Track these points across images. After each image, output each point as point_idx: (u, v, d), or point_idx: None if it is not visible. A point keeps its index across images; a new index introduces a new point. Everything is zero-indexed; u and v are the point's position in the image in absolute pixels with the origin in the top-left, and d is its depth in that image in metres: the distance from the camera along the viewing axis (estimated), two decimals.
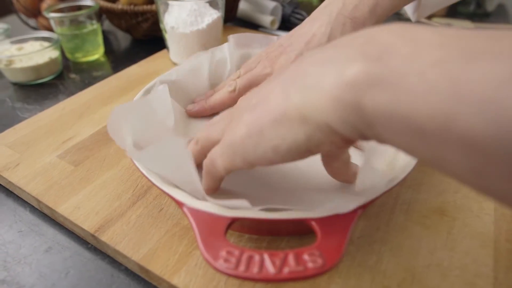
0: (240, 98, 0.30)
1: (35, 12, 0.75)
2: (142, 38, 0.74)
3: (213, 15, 0.57)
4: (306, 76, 0.22)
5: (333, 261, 0.23)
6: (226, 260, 0.23)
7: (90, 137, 0.44)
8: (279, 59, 0.41)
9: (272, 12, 0.80)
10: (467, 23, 0.85)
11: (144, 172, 0.30)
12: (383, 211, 0.35)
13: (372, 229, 0.33)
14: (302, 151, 0.22)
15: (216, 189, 0.30)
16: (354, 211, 0.26)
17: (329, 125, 0.20)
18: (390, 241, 0.32)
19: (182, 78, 0.43)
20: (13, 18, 0.86)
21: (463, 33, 0.17)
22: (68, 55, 0.68)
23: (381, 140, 0.20)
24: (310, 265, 0.23)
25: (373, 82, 0.18)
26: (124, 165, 0.40)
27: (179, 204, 0.27)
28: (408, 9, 0.50)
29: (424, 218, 0.34)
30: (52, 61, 0.62)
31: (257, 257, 0.23)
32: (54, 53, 0.62)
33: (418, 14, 0.48)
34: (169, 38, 0.58)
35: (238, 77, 0.43)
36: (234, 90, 0.42)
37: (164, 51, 0.65)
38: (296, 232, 0.32)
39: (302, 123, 0.21)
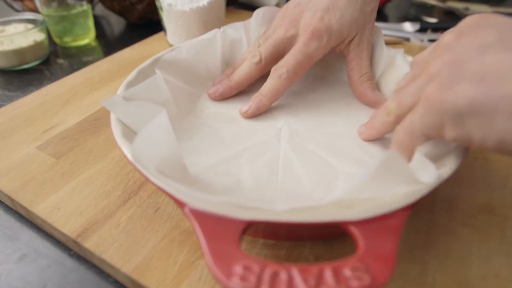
0: (447, 43, 0.24)
1: None
2: (137, 21, 0.68)
3: None
4: None
5: (384, 278, 0.17)
6: (242, 278, 0.17)
7: (75, 125, 0.38)
8: (302, 18, 0.36)
9: None
10: (485, 8, 0.79)
11: (133, 162, 0.24)
12: (421, 210, 0.29)
13: (411, 231, 0.27)
14: None
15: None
16: (404, 210, 0.21)
17: None
18: (435, 246, 0.27)
19: (191, 57, 0.37)
20: None
21: None
22: (56, 39, 0.62)
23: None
24: (354, 283, 0.17)
25: None
26: (114, 157, 0.34)
27: (180, 204, 0.21)
28: None
29: (471, 218, 0.29)
30: (37, 45, 0.56)
31: (284, 275, 0.17)
32: (39, 36, 0.56)
33: None
34: (166, 17, 0.52)
35: (259, 46, 0.37)
36: (260, 60, 0.36)
37: (160, 34, 0.59)
38: (321, 236, 0.26)
39: None
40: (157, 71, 0.34)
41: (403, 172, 0.21)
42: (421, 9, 0.76)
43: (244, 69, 0.37)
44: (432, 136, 0.24)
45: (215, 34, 0.39)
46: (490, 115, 0.20)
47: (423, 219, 0.28)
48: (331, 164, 0.30)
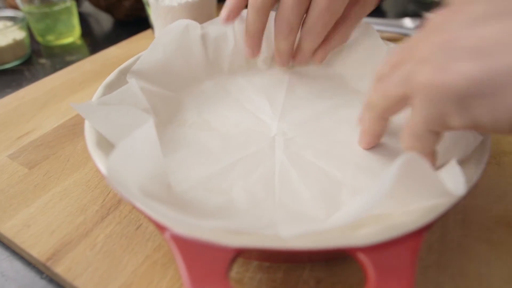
0: (436, 22, 0.21)
1: None
2: (125, 19, 0.65)
3: None
4: None
5: None
6: None
7: (52, 131, 0.35)
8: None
9: None
10: None
11: (106, 176, 0.21)
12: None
13: (422, 250, 0.25)
14: None
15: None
16: (420, 232, 0.18)
17: None
18: (450, 265, 0.24)
19: (169, 56, 0.34)
20: None
21: None
22: (38, 38, 0.59)
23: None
24: None
25: None
26: (93, 167, 0.31)
27: (160, 229, 0.18)
28: None
29: (488, 232, 0.26)
30: (17, 44, 0.52)
31: None
32: (20, 34, 0.53)
33: None
34: (153, 13, 0.49)
35: None
36: None
37: (148, 31, 0.56)
38: (323, 258, 0.23)
39: None
40: (131, 80, 0.30)
41: (427, 181, 0.18)
42: (420, 5, 0.74)
43: (253, 16, 0.32)
44: (439, 129, 0.21)
45: (184, 25, 0.34)
46: (497, 91, 0.17)
47: (435, 234, 0.26)
48: (333, 176, 0.26)
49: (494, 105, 0.17)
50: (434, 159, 0.23)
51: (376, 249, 0.17)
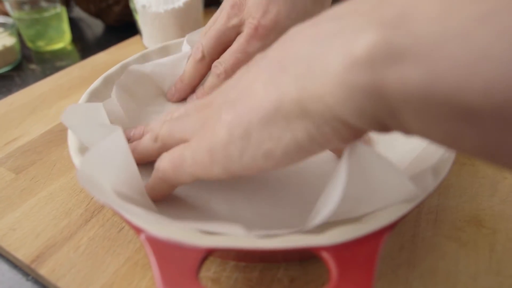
0: (215, 92, 0.23)
1: None
2: (114, 24, 0.66)
3: None
4: (300, 59, 0.17)
5: None
6: None
7: (40, 137, 0.36)
8: (246, 2, 0.32)
9: None
10: None
11: (82, 183, 0.22)
12: (405, 224, 0.27)
13: (394, 248, 0.26)
14: (302, 153, 0.18)
15: (165, 198, 0.25)
16: (380, 232, 0.19)
17: (339, 118, 0.16)
18: (419, 264, 0.25)
19: (158, 71, 0.35)
20: None
21: None
22: (29, 44, 0.60)
23: (408, 130, 0.15)
24: None
25: (396, 54, 0.13)
26: None
27: (136, 230, 0.19)
28: None
29: (458, 231, 0.27)
30: (7, 50, 0.53)
31: None
32: (10, 40, 0.54)
33: None
34: (141, 20, 0.49)
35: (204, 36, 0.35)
36: (203, 56, 0.34)
37: (137, 37, 0.57)
38: (297, 257, 0.24)
39: (302, 118, 0.17)
40: (113, 96, 0.31)
41: (384, 174, 0.19)
42: None
43: (190, 68, 0.35)
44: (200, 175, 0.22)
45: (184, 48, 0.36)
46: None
47: (407, 234, 0.27)
48: (313, 184, 0.27)
49: (244, 149, 0.19)
50: None
51: (338, 248, 0.18)
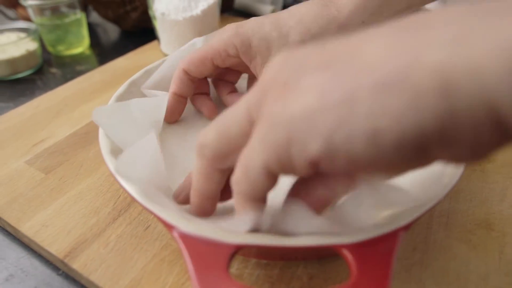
0: (274, 61, 0.17)
1: (14, 1, 0.68)
2: (131, 29, 0.68)
3: (209, 0, 0.50)
4: (446, 28, 0.13)
5: None
6: None
7: (66, 138, 0.38)
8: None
9: (273, 1, 0.74)
10: None
11: (122, 183, 0.23)
12: (417, 225, 0.29)
13: (408, 249, 0.27)
14: (416, 149, 0.13)
15: (261, 204, 0.19)
16: (397, 232, 0.20)
17: (491, 104, 0.12)
18: (431, 264, 0.26)
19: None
20: None
21: None
22: (49, 48, 0.62)
23: None
24: None
25: None
26: (104, 172, 0.33)
27: (168, 227, 0.21)
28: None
29: (469, 234, 0.28)
30: (30, 54, 0.55)
31: None
32: (32, 45, 0.56)
33: None
34: (160, 27, 0.51)
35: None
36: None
37: (155, 42, 0.59)
38: (316, 256, 0.25)
39: (439, 94, 0.12)
40: (158, 93, 0.33)
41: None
42: None
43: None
44: (277, 168, 0.16)
45: (191, 43, 0.37)
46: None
47: (420, 235, 0.28)
48: None
49: (348, 115, 0.14)
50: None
51: (358, 246, 0.19)
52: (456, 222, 0.29)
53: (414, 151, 0.13)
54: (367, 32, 0.15)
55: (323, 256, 0.25)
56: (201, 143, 0.19)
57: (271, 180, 0.17)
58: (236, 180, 0.18)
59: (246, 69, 0.35)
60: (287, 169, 0.16)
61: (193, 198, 0.22)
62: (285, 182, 0.20)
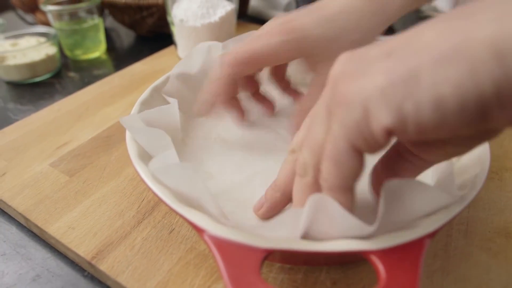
0: (340, 58, 0.19)
1: (32, 6, 0.69)
2: (147, 34, 0.69)
3: (227, 7, 0.51)
4: (491, 10, 0.15)
5: None
6: None
7: (88, 142, 0.38)
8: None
9: (286, 8, 0.75)
10: None
11: (153, 188, 0.24)
12: (438, 233, 0.29)
13: (429, 256, 0.27)
14: (479, 112, 0.15)
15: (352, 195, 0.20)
16: (424, 238, 0.20)
17: None
18: (453, 271, 0.26)
19: (195, 78, 0.37)
20: (10, 15, 0.81)
21: None
22: (67, 52, 0.63)
23: None
24: None
25: None
26: (127, 175, 0.34)
27: (199, 231, 0.21)
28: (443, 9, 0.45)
29: (489, 242, 0.28)
30: (49, 58, 0.56)
31: None
32: (52, 50, 0.57)
33: None
34: (178, 33, 0.52)
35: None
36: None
37: (171, 48, 0.60)
38: (339, 262, 0.26)
39: (493, 64, 0.14)
40: (173, 101, 0.33)
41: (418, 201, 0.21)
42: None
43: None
44: (361, 144, 0.18)
45: (206, 47, 0.37)
46: (415, 80, 0.16)
47: (440, 243, 0.28)
48: None
49: (414, 87, 0.15)
50: (351, 198, 0.20)
51: (386, 252, 0.19)
52: (476, 230, 0.29)
53: (475, 114, 0.15)
54: (419, 26, 0.17)
55: (346, 262, 0.26)
56: (299, 166, 0.22)
57: (360, 160, 0.19)
58: (325, 177, 0.19)
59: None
60: (370, 142, 0.18)
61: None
62: None
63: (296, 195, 0.22)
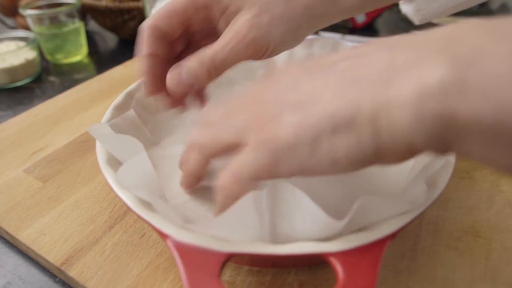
0: (263, 86, 0.23)
1: (13, 10, 0.69)
2: (129, 38, 0.69)
3: None
4: (376, 79, 0.18)
5: None
6: None
7: (64, 147, 0.38)
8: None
9: None
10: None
11: (118, 192, 0.24)
12: (406, 233, 0.29)
13: (396, 256, 0.28)
14: (365, 164, 0.19)
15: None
16: (383, 240, 0.21)
17: (408, 139, 0.17)
18: (419, 270, 0.27)
19: None
20: None
21: None
22: (48, 57, 0.63)
23: (465, 153, 0.17)
24: None
25: (468, 90, 0.15)
26: (101, 181, 0.34)
27: (163, 236, 0.21)
28: (408, 13, 0.46)
29: (456, 241, 0.29)
30: (29, 63, 0.56)
31: None
32: (31, 54, 0.57)
33: (417, 19, 0.44)
34: None
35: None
36: None
37: None
38: (306, 263, 0.26)
39: (373, 134, 0.18)
40: (130, 110, 0.33)
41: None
42: (411, 22, 0.77)
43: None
44: (265, 178, 0.21)
45: None
46: (316, 139, 0.19)
47: (409, 243, 0.29)
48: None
49: (316, 150, 0.19)
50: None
51: (344, 254, 0.20)
52: (444, 230, 0.30)
53: (361, 165, 0.19)
54: (324, 73, 0.21)
55: (313, 263, 0.26)
56: (198, 144, 0.25)
57: (256, 185, 0.21)
58: (222, 184, 0.22)
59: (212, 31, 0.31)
60: (274, 177, 0.21)
61: (188, 179, 0.28)
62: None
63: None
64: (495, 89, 0.15)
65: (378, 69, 0.18)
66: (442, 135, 0.16)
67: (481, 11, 0.87)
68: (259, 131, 0.21)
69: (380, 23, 0.77)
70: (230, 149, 0.22)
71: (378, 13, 0.72)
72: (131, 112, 0.33)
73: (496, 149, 0.16)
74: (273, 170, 0.20)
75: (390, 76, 0.18)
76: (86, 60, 0.64)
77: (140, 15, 0.62)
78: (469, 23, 0.17)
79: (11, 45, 0.57)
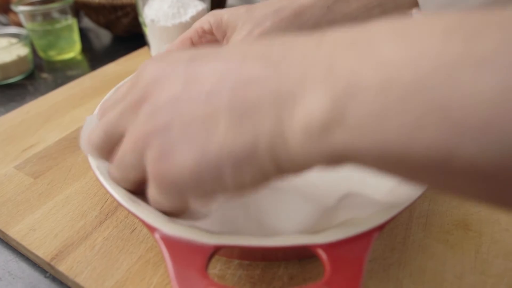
0: (147, 83, 0.21)
1: (5, 6, 0.69)
2: (123, 34, 0.68)
3: (198, 6, 0.51)
4: (264, 113, 0.18)
5: None
6: None
7: (55, 144, 0.38)
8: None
9: None
10: None
11: (107, 186, 0.24)
12: (397, 226, 0.29)
13: (386, 249, 0.28)
14: (270, 181, 0.19)
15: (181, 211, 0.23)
16: (370, 233, 0.21)
17: (311, 164, 0.18)
18: (409, 263, 0.27)
19: None
20: None
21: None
22: (41, 53, 0.62)
23: (361, 166, 0.17)
24: None
25: (347, 124, 0.15)
26: (92, 176, 0.34)
27: (151, 230, 0.21)
28: None
29: (446, 234, 0.29)
30: (21, 59, 0.56)
31: None
32: (23, 51, 0.56)
33: None
34: (150, 33, 0.52)
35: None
36: None
37: (145, 48, 0.59)
38: (296, 256, 0.26)
39: (274, 163, 0.18)
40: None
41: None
42: None
43: None
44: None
45: None
46: (218, 173, 0.19)
47: (399, 236, 0.29)
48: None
49: (220, 183, 0.19)
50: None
51: (332, 246, 0.20)
52: (435, 223, 0.30)
53: (268, 183, 0.19)
54: (207, 98, 0.19)
55: (303, 256, 0.26)
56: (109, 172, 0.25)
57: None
58: (153, 197, 0.22)
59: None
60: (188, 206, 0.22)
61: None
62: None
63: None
64: (371, 126, 0.15)
65: (265, 101, 0.18)
66: (339, 159, 0.17)
67: None
68: (155, 161, 0.20)
69: None
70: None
71: None
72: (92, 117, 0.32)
73: (389, 170, 0.16)
74: (184, 206, 0.21)
75: (280, 107, 0.17)
76: (79, 57, 0.64)
77: (133, 11, 0.62)
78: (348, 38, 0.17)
79: (3, 42, 0.57)
